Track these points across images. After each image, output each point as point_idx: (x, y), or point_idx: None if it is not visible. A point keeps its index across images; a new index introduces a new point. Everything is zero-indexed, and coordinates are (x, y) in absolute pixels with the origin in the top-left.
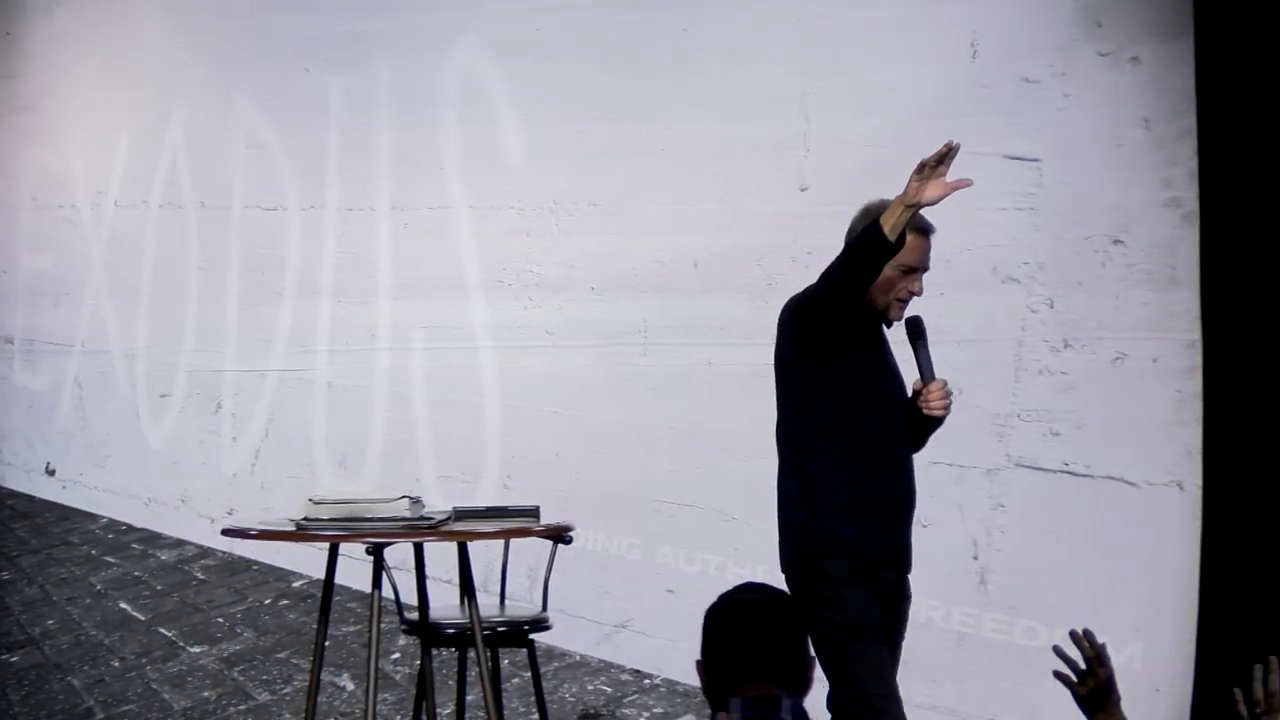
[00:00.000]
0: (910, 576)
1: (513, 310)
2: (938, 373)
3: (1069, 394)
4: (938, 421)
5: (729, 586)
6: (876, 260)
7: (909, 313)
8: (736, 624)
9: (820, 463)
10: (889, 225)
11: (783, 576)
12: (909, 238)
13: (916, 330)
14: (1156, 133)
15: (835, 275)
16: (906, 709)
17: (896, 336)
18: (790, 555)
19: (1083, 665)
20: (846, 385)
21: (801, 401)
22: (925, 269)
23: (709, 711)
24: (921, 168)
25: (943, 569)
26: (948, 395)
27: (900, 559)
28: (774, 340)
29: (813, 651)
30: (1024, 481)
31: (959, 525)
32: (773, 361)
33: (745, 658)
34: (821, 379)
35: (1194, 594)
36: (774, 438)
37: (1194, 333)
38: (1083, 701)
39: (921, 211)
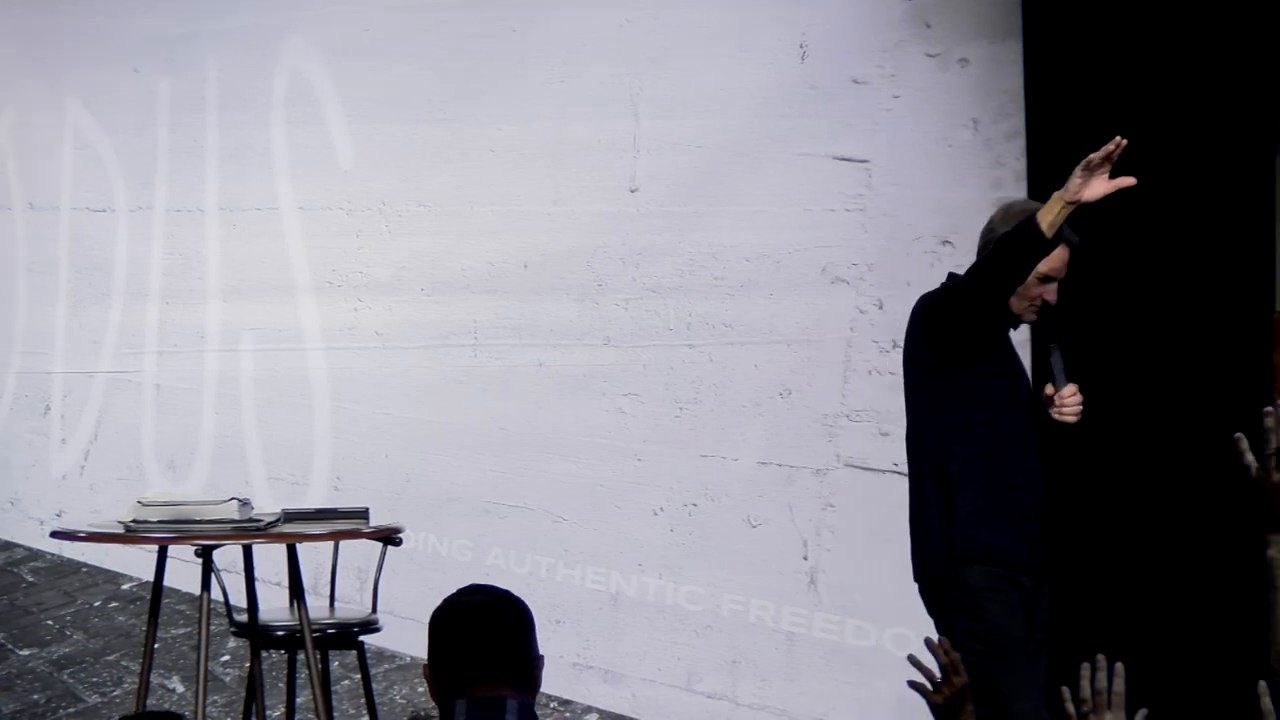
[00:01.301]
0: (747, 579)
1: (342, 312)
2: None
3: (898, 394)
4: (1066, 426)
5: (560, 587)
6: (1031, 257)
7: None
8: (459, 625)
9: (959, 466)
10: (1046, 222)
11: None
12: (1059, 241)
13: (1049, 334)
14: (985, 133)
15: (987, 272)
16: (734, 710)
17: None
18: (926, 562)
19: (938, 674)
20: (984, 387)
21: (938, 404)
22: (1061, 278)
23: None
24: (1088, 164)
25: (773, 569)
26: (1080, 400)
27: (1038, 562)
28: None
29: (540, 650)
30: (853, 482)
31: (789, 525)
32: (901, 364)
33: (469, 659)
34: (959, 381)
35: None
36: (607, 438)
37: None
38: (937, 710)
39: None
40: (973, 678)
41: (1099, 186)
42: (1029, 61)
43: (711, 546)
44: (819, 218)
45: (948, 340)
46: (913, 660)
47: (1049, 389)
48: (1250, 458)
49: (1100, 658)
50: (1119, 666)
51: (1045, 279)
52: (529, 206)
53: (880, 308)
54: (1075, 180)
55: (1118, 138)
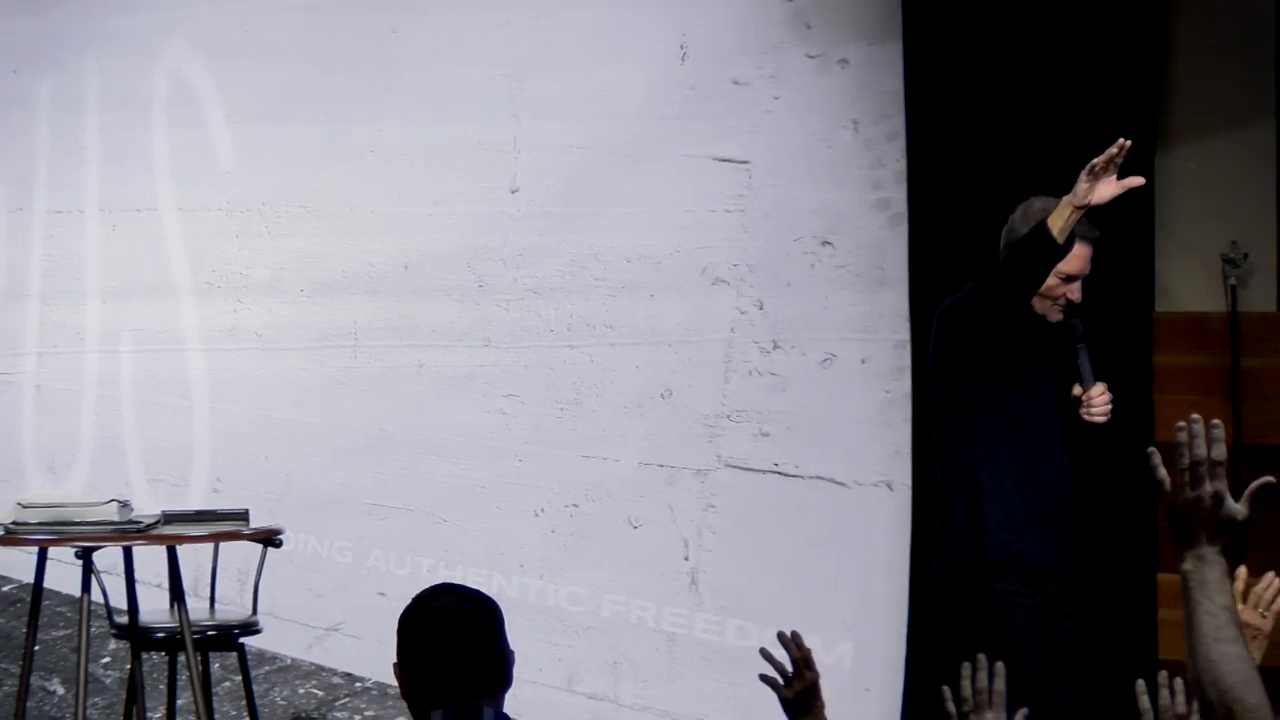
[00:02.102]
0: (628, 580)
1: (222, 313)
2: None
3: (779, 395)
4: (1097, 426)
5: None
6: (1045, 263)
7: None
8: (433, 634)
9: (988, 473)
10: (1057, 227)
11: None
12: (1074, 246)
13: (1075, 335)
14: (865, 134)
15: (1003, 278)
16: (616, 710)
17: None
18: (951, 568)
19: (789, 668)
20: (1011, 391)
21: (964, 410)
22: (1085, 275)
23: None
24: (1092, 169)
25: (654, 570)
26: (1109, 400)
27: (1064, 568)
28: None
29: (511, 646)
30: (734, 482)
31: (670, 526)
32: (928, 370)
33: (444, 670)
34: (985, 386)
35: (904, 593)
36: (488, 439)
37: (903, 333)
38: (788, 705)
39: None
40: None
41: (1107, 189)
42: (909, 62)
43: (592, 547)
44: (700, 218)
45: (971, 346)
46: (764, 654)
47: (1076, 389)
48: (1163, 473)
49: (981, 657)
50: (999, 666)
51: (1068, 278)
52: (409, 207)
53: (761, 308)
54: (1082, 185)
55: (1121, 140)
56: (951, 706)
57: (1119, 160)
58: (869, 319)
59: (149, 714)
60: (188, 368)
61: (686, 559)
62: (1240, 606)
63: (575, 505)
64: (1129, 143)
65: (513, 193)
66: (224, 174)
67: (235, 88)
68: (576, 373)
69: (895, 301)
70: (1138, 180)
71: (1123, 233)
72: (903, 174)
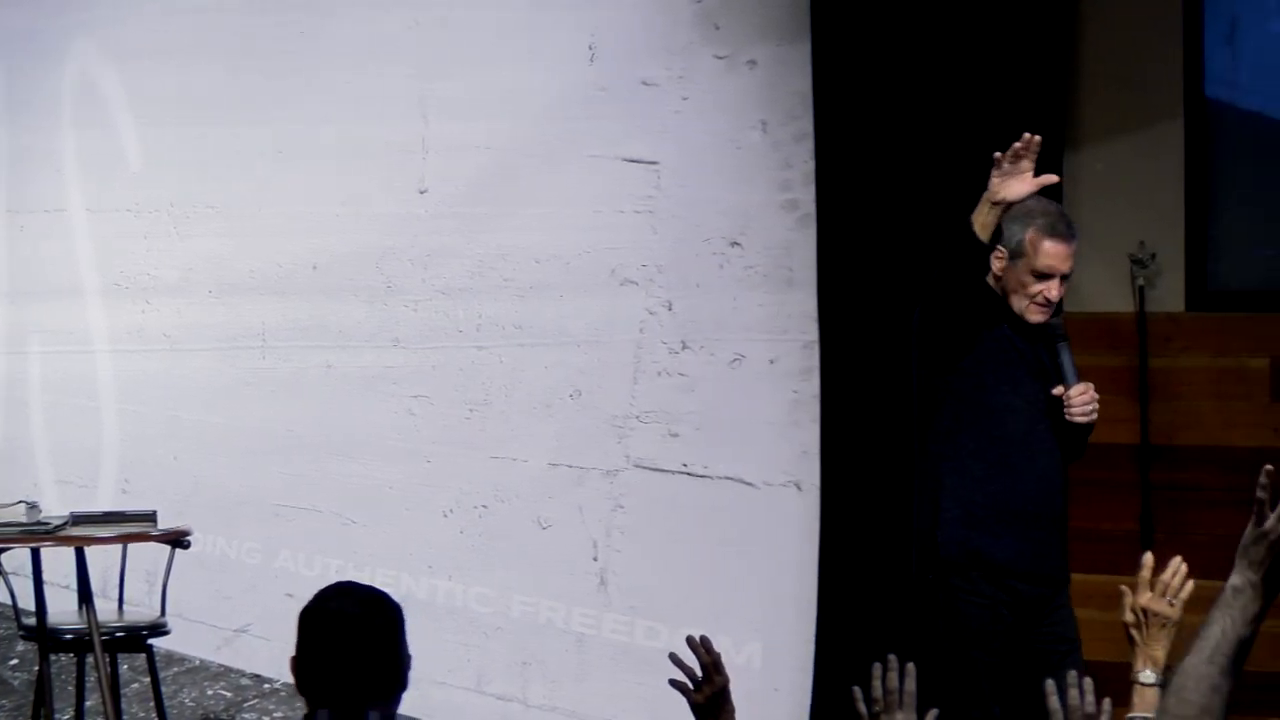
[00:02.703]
0: (537, 581)
1: (130, 314)
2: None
3: (688, 395)
4: (1088, 426)
5: None
6: (970, 260)
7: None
8: (326, 637)
9: (950, 469)
10: (978, 224)
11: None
12: (1045, 243)
13: (1056, 335)
14: (773, 135)
15: (943, 275)
16: (525, 711)
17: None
18: (918, 562)
19: (699, 673)
20: (979, 388)
21: (931, 406)
22: (1063, 274)
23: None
24: (996, 164)
25: (563, 570)
26: (1092, 400)
27: (1042, 568)
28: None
29: (410, 650)
30: (643, 483)
31: (579, 527)
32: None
33: (333, 673)
34: (952, 383)
35: (813, 593)
36: (397, 440)
37: (811, 334)
38: (698, 709)
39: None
40: (945, 680)
41: (1021, 186)
42: (817, 63)
43: (501, 548)
44: (608, 219)
45: (932, 342)
46: (674, 659)
47: (1058, 389)
48: (1263, 494)
49: (892, 658)
50: (910, 666)
51: (1042, 275)
52: (318, 208)
53: (670, 309)
54: (993, 180)
55: (1027, 134)
56: (862, 707)
57: (1027, 154)
58: (777, 319)
59: (57, 716)
60: (96, 369)
61: (595, 559)
62: (1148, 595)
63: (484, 506)
64: (1037, 137)
65: (421, 193)
66: (132, 175)
67: (143, 89)
68: (485, 373)
69: (804, 302)
70: (1051, 178)
71: None
72: (811, 175)
